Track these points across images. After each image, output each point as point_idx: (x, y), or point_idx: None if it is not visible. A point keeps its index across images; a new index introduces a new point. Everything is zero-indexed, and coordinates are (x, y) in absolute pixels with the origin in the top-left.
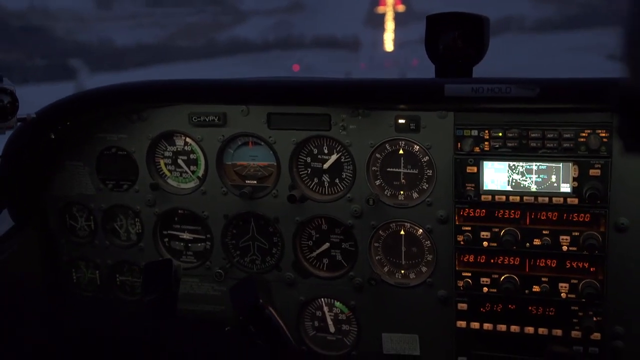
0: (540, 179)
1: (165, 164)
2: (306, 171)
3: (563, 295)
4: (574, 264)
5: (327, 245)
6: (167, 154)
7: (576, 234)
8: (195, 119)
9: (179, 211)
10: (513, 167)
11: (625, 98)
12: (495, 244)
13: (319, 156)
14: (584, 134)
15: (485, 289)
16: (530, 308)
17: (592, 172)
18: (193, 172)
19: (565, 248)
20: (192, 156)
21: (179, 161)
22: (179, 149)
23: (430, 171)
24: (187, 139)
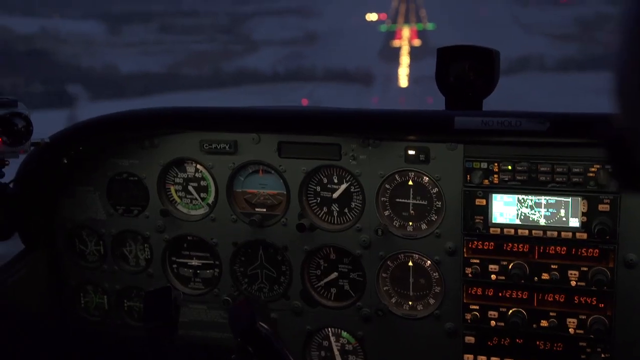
0: (549, 213)
1: (176, 191)
2: (316, 200)
3: (571, 330)
4: (583, 300)
5: (335, 274)
6: (177, 180)
7: (585, 269)
8: (206, 146)
9: (188, 237)
10: (522, 201)
11: (615, 138)
12: (503, 278)
13: (328, 185)
14: (593, 169)
15: (493, 323)
16: (538, 343)
17: (601, 207)
18: (203, 199)
19: (573, 283)
20: (202, 183)
21: (190, 188)
22: (189, 176)
23: (440, 203)
24: (198, 166)
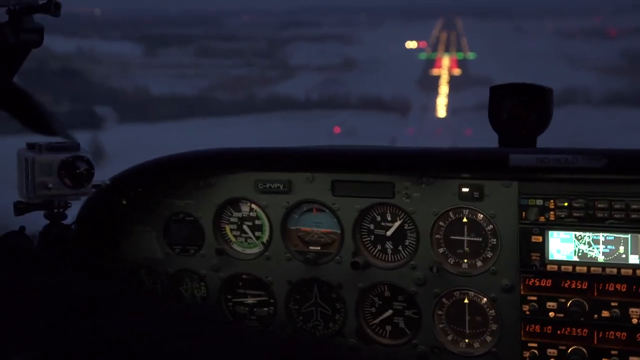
0: (608, 250)
1: (231, 230)
2: (369, 238)
3: None
4: None
5: (390, 312)
6: (232, 219)
7: None
8: (261, 185)
9: (243, 276)
10: (579, 237)
11: None
12: (562, 315)
13: (382, 223)
14: None
15: None
16: None
17: None
18: (257, 237)
19: (635, 321)
20: (257, 222)
21: (244, 227)
22: (244, 215)
23: (495, 240)
24: (253, 205)
